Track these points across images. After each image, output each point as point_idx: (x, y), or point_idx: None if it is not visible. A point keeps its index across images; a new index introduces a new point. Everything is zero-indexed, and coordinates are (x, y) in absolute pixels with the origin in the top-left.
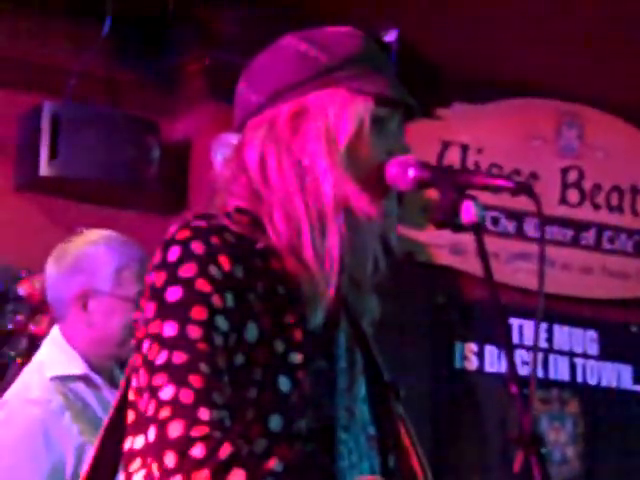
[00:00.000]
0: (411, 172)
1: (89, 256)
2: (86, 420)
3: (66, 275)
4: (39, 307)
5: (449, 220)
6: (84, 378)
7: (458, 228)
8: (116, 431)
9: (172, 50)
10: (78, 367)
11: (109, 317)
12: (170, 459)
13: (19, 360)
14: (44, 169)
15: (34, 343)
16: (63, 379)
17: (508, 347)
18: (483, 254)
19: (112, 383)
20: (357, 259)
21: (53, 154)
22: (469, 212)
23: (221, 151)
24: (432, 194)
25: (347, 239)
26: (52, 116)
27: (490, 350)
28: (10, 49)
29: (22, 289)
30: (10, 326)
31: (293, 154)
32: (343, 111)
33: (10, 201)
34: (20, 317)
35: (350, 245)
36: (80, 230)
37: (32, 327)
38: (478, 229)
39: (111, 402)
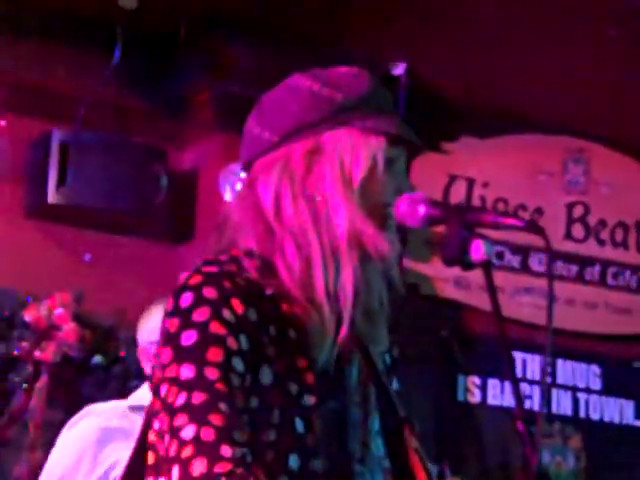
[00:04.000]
0: (421, 209)
1: (150, 312)
2: None
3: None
4: (45, 333)
5: (459, 258)
6: None
7: (468, 266)
8: (136, 472)
9: (182, 79)
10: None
11: None
12: None
13: (24, 386)
14: (52, 196)
15: (39, 369)
16: (141, 408)
17: (515, 386)
18: (493, 292)
19: None
20: (368, 292)
21: (61, 181)
22: (479, 250)
23: (229, 181)
24: (436, 227)
25: (360, 274)
26: (61, 143)
27: (493, 383)
28: (21, 76)
29: (28, 315)
30: (16, 352)
31: (307, 191)
32: (357, 150)
33: (19, 227)
34: (25, 343)
35: (362, 279)
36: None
37: (37, 353)
38: (488, 267)
39: None
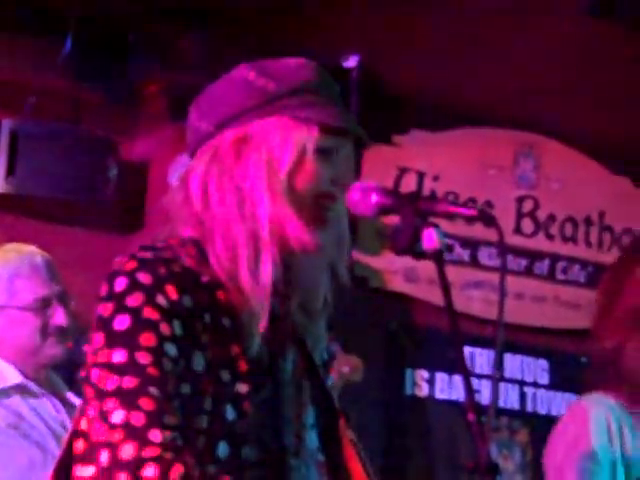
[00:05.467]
0: (374, 198)
1: None
2: (19, 436)
3: None
4: None
5: (410, 247)
6: (20, 388)
7: (419, 255)
8: (67, 464)
9: (133, 70)
10: (13, 377)
11: (12, 328)
12: None
13: None
14: (1, 185)
15: None
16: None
17: (466, 378)
18: (444, 281)
19: (51, 390)
20: (307, 287)
21: (10, 171)
22: (431, 239)
23: (179, 172)
24: (387, 220)
25: (295, 267)
26: (10, 133)
27: (441, 377)
28: None
29: None
30: None
31: (234, 180)
32: (285, 139)
33: None
34: None
35: (299, 274)
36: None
37: None
38: (439, 256)
39: (48, 410)
